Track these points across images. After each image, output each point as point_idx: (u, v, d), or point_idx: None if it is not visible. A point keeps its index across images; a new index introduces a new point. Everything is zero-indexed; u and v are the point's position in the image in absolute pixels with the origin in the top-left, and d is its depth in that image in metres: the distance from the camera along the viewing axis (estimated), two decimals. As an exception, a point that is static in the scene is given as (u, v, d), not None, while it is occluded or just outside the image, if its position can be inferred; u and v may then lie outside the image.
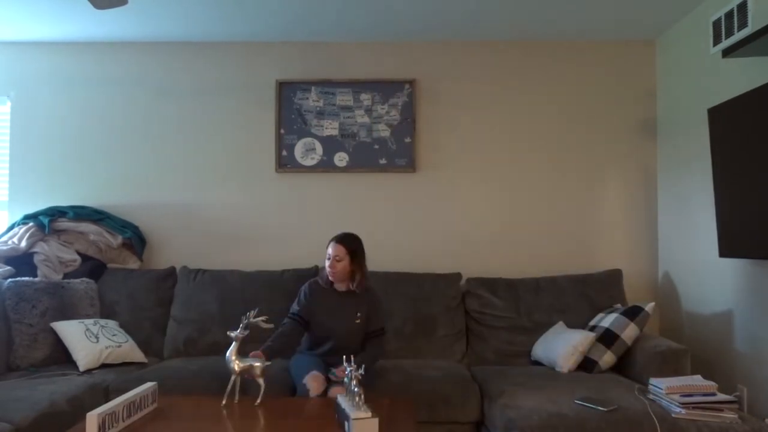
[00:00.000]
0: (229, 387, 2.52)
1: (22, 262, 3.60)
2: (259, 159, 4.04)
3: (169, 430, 2.24)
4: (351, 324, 2.95)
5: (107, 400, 2.69)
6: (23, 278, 3.42)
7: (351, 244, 2.97)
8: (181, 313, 3.63)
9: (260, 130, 4.05)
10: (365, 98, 4.03)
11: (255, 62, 4.07)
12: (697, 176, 3.46)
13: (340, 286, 3.02)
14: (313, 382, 2.74)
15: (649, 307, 3.25)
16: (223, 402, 2.50)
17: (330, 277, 2.98)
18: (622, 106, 4.01)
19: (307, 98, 4.04)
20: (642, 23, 3.73)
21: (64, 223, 3.76)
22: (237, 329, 2.54)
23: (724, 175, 2.92)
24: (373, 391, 2.63)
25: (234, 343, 2.52)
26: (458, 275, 3.77)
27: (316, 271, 3.64)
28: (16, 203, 4.04)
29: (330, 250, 2.95)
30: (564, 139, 4.02)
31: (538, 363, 3.41)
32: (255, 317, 2.61)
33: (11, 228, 3.79)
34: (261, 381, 2.51)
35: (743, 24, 2.96)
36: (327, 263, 2.96)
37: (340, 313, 2.96)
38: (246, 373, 2.52)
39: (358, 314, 2.96)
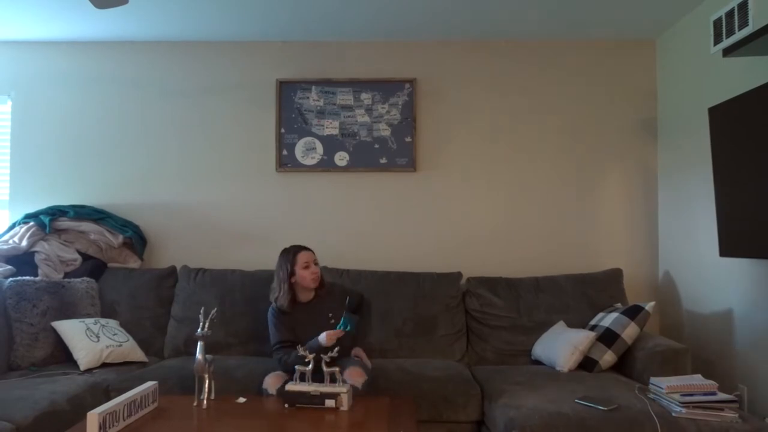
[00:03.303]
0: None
1: (23, 261, 3.60)
2: (259, 158, 4.05)
3: (170, 429, 2.24)
4: (327, 327, 2.93)
5: (108, 400, 2.71)
6: (24, 277, 3.42)
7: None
8: (182, 312, 3.63)
9: (261, 129, 4.05)
10: (365, 97, 4.03)
11: (255, 62, 4.07)
12: (698, 176, 3.46)
13: (304, 297, 3.02)
14: (269, 380, 2.81)
15: (649, 306, 3.25)
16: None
17: (312, 284, 2.99)
18: (622, 106, 4.01)
19: (308, 97, 4.04)
20: (642, 23, 3.73)
21: (64, 223, 3.76)
22: (202, 329, 2.58)
23: (725, 175, 2.92)
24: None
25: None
26: (458, 275, 3.77)
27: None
28: (17, 202, 4.04)
29: (306, 258, 3.00)
30: (564, 138, 4.02)
31: (538, 362, 3.42)
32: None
33: (12, 227, 3.79)
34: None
35: (744, 23, 2.96)
36: (305, 272, 2.97)
37: (316, 323, 2.95)
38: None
39: (330, 315, 2.98)
